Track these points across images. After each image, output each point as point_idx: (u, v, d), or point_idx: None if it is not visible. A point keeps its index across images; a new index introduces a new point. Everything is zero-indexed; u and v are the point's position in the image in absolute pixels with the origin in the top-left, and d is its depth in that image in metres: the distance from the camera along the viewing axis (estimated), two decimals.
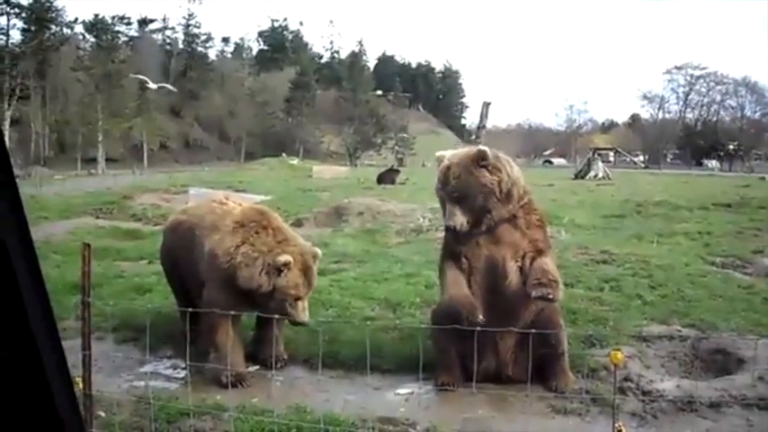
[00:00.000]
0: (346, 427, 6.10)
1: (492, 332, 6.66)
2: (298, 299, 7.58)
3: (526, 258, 7.26)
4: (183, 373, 7.85)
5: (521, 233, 7.37)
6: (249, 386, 7.54)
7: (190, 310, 6.76)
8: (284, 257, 7.48)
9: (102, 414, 6.30)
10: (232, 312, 7.13)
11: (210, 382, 7.47)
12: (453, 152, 7.78)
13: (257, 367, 8.11)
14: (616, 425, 5.10)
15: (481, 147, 7.57)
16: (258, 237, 7.78)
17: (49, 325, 1.63)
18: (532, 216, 7.53)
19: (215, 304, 7.27)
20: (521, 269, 7.24)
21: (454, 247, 7.50)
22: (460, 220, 7.15)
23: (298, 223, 21.25)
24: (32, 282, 1.55)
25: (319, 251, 8.13)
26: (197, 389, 7.06)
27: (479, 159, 7.23)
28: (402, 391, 7.44)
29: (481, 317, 6.88)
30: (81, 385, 5.49)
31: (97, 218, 23.35)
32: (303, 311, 7.64)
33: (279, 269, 7.47)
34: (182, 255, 8.74)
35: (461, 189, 7.19)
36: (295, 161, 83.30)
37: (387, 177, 43.00)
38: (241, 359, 7.87)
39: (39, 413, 1.55)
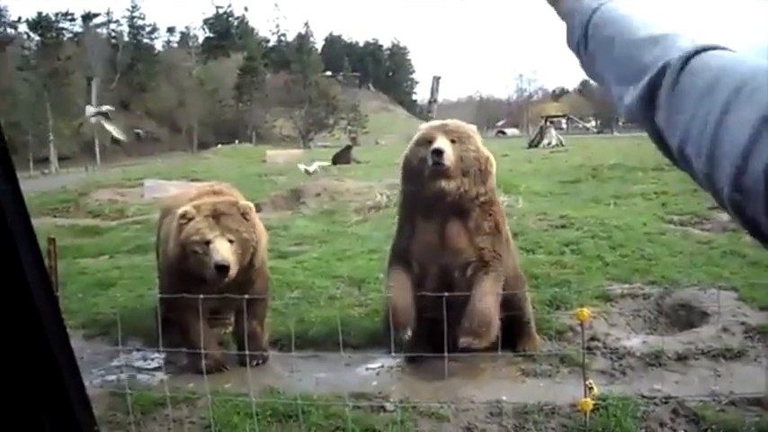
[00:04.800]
0: (321, 404, 6.11)
1: (457, 301, 6.57)
2: (207, 242, 6.97)
3: (469, 269, 6.95)
4: (153, 364, 7.82)
5: (469, 238, 7.04)
6: (227, 370, 7.45)
7: (165, 296, 6.71)
8: (180, 210, 7.12)
9: None
10: (199, 296, 6.46)
11: (184, 370, 7.44)
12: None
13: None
14: (586, 382, 5.15)
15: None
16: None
17: (57, 318, 1.63)
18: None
19: (168, 290, 7.16)
20: (466, 277, 6.91)
21: (403, 246, 7.24)
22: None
23: (256, 208, 21.15)
24: (38, 273, 1.54)
25: (247, 204, 7.54)
26: (170, 379, 7.04)
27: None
28: (373, 365, 7.46)
29: (409, 334, 6.81)
30: None
31: (54, 217, 23.00)
32: (216, 251, 6.91)
33: (180, 224, 7.08)
34: (156, 245, 8.68)
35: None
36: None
37: (342, 157, 42.80)
38: (215, 345, 7.73)
39: (53, 410, 1.54)
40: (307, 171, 31.30)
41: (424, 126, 7.38)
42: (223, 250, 6.92)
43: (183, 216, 7.05)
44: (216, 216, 7.06)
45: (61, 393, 1.53)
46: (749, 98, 1.01)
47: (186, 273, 7.13)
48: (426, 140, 6.90)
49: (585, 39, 1.42)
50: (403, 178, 7.26)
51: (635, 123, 1.26)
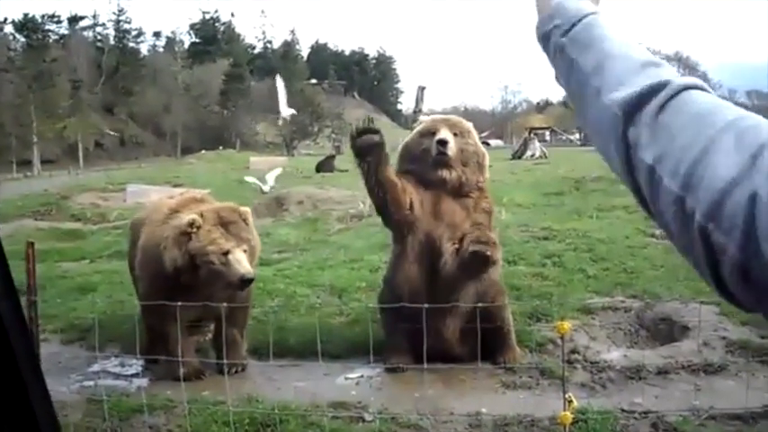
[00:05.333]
0: (299, 413, 6.06)
1: (437, 312, 6.60)
2: (225, 253, 6.91)
3: (465, 241, 7.21)
4: (131, 370, 7.76)
5: (466, 214, 7.38)
6: (205, 378, 7.39)
7: (149, 303, 6.65)
8: (186, 218, 6.95)
9: None
10: (177, 303, 6.42)
11: (162, 377, 7.37)
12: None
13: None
14: (566, 395, 5.13)
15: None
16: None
17: (20, 321, 1.58)
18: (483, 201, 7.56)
19: (151, 299, 7.01)
20: (457, 251, 7.20)
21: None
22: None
23: None
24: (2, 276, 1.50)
25: (246, 209, 7.42)
26: (147, 386, 7.00)
27: None
28: (352, 375, 7.43)
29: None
30: None
31: (36, 220, 22.87)
32: (238, 263, 6.85)
33: (186, 233, 6.91)
34: (131, 254, 8.44)
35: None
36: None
37: (326, 165, 42.74)
38: (192, 352, 7.65)
39: (15, 415, 1.49)
40: (261, 190, 26.22)
41: (426, 119, 7.94)
42: (245, 262, 6.92)
43: (192, 224, 6.92)
44: (224, 224, 7.01)
45: (24, 401, 1.49)
46: (740, 136, 1.03)
47: (185, 283, 7.02)
48: (430, 132, 7.34)
49: (567, 35, 1.39)
50: (400, 161, 7.64)
51: (587, 129, 1.28)
